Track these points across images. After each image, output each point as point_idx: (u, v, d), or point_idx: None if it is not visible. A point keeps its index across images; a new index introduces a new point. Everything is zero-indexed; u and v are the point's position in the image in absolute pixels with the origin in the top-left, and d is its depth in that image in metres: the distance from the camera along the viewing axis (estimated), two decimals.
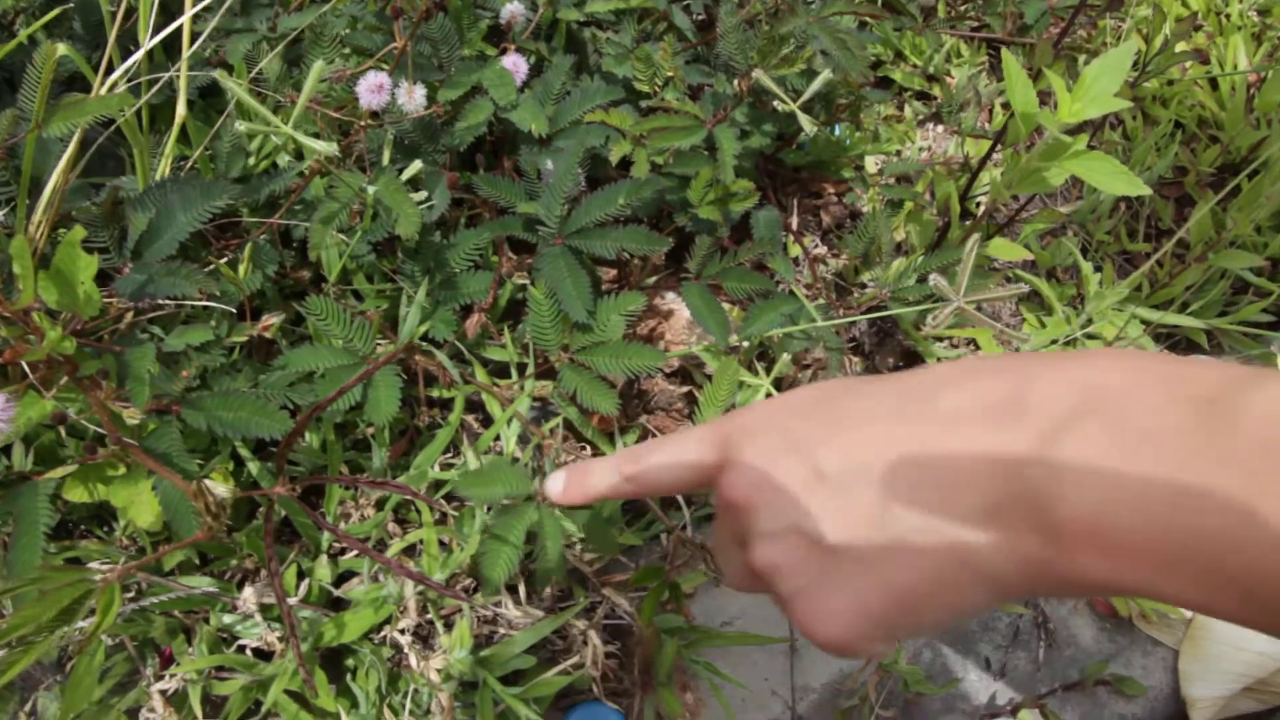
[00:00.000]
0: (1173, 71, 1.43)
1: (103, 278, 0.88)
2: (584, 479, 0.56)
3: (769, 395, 1.04)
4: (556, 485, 0.58)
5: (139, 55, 0.85)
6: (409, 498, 0.91)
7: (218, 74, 0.73)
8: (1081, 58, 0.90)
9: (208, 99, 1.11)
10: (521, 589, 0.87)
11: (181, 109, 0.96)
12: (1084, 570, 0.36)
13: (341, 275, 1.01)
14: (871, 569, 0.41)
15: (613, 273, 1.16)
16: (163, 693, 0.84)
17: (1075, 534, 0.35)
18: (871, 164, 1.22)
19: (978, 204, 1.23)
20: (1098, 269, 1.22)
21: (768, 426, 0.46)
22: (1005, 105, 1.36)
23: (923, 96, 1.39)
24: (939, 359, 1.13)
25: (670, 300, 1.16)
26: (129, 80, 0.91)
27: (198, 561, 0.92)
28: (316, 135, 0.89)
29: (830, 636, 0.43)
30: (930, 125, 1.36)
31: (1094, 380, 0.37)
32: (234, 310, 0.90)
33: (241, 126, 0.73)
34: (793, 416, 0.46)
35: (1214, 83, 1.40)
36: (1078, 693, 0.97)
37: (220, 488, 0.56)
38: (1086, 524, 0.35)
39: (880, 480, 0.41)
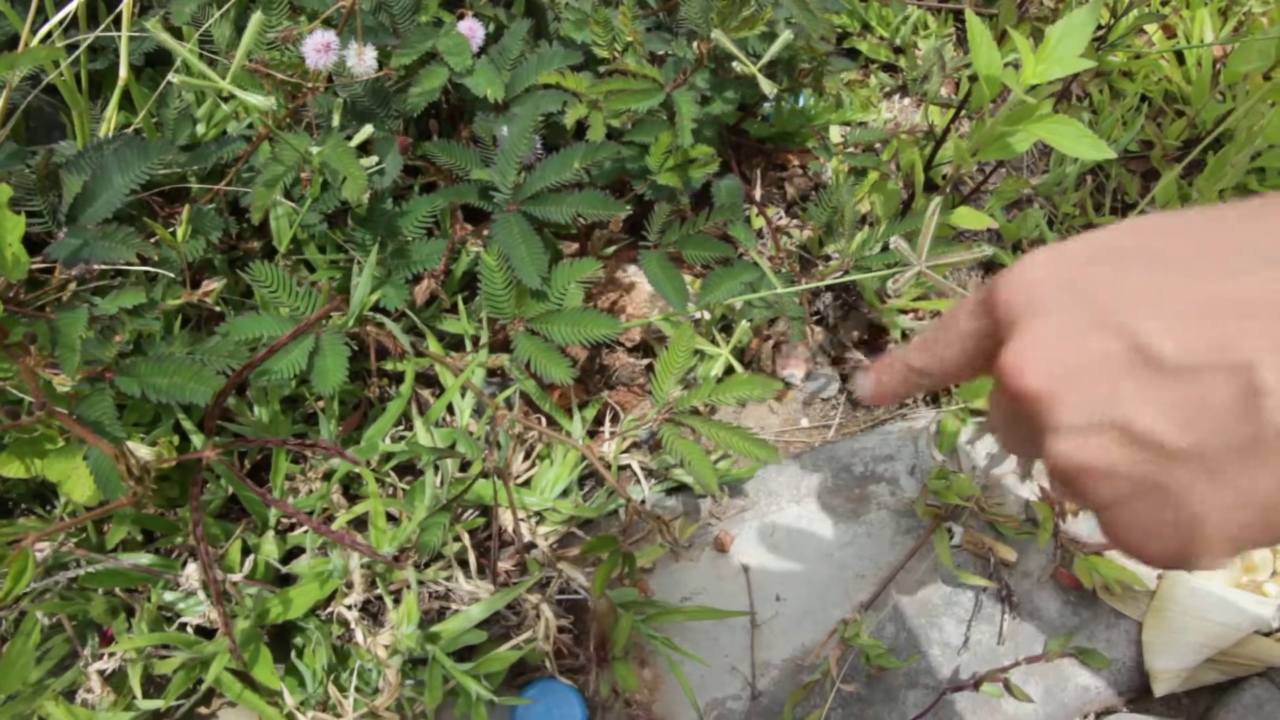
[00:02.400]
0: (1139, 45, 1.42)
1: (41, 247, 0.84)
2: (889, 378, 0.49)
3: (728, 368, 1.02)
4: (867, 385, 0.51)
5: (72, 6, 0.81)
6: (358, 471, 0.89)
7: (150, 25, 0.70)
8: (1048, 29, 0.89)
9: (156, 67, 1.08)
10: (473, 561, 0.85)
11: (124, 71, 0.92)
12: None
13: (293, 246, 0.98)
14: (1228, 479, 0.33)
15: (574, 246, 1.14)
16: (101, 672, 0.81)
17: None
18: (836, 134, 1.20)
19: (943, 175, 1.21)
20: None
21: (1056, 282, 0.36)
22: (972, 78, 1.35)
23: (889, 69, 1.37)
24: (902, 330, 1.12)
25: (632, 273, 1.14)
26: (70, 48, 0.88)
27: (141, 539, 0.89)
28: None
29: (1164, 553, 0.35)
30: (896, 97, 1.34)
31: None
32: (178, 278, 0.87)
33: (176, 79, 0.70)
34: (1089, 266, 0.36)
35: (1180, 57, 1.39)
36: (1041, 665, 0.96)
37: (143, 450, 0.53)
38: None
39: (1250, 363, 0.31)
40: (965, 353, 0.43)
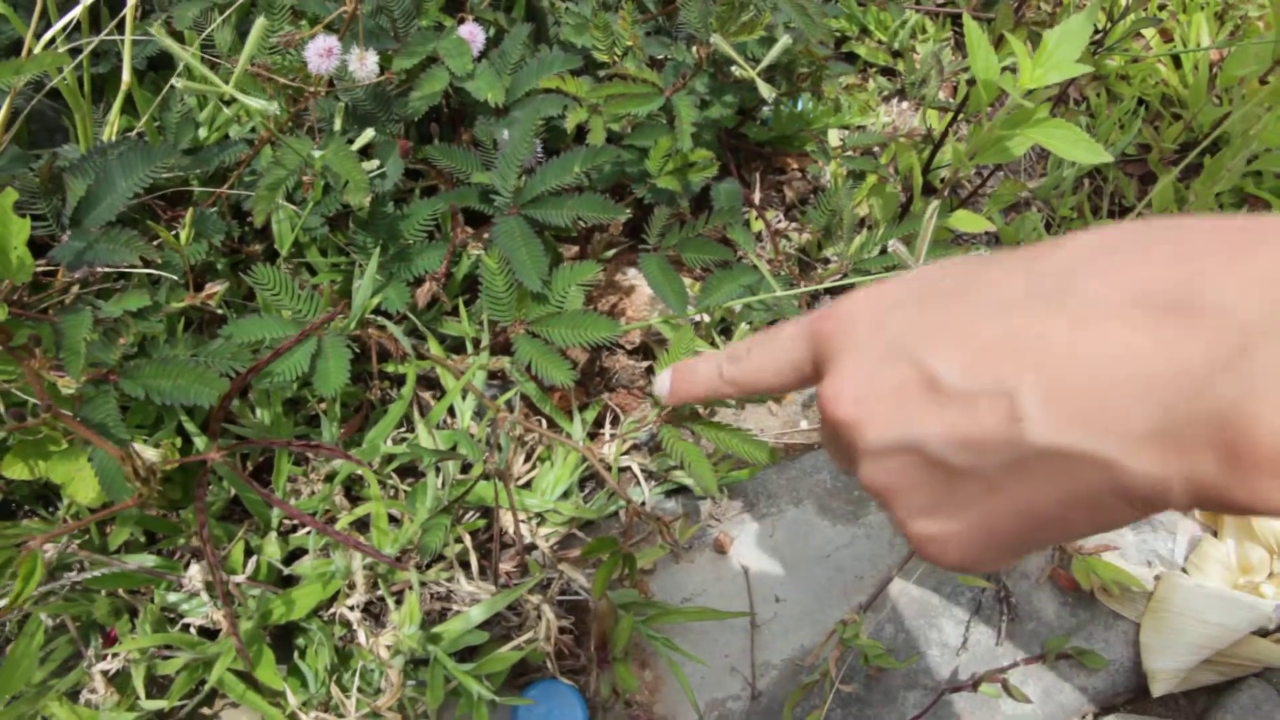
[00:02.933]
0: (1136, 49, 1.42)
1: (45, 250, 0.85)
2: (689, 381, 0.55)
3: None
4: (663, 385, 0.58)
5: (76, 11, 0.82)
6: (360, 473, 0.89)
7: (155, 29, 0.70)
8: (1045, 33, 0.89)
9: (159, 71, 1.08)
10: (474, 563, 0.85)
11: (126, 75, 0.93)
12: (1263, 496, 0.31)
13: (295, 249, 0.99)
14: (1000, 491, 0.37)
15: (574, 249, 1.14)
16: (104, 673, 0.82)
17: (1266, 458, 0.30)
18: (834, 137, 1.21)
19: (941, 179, 1.22)
20: None
21: (868, 322, 0.41)
22: (970, 81, 1.35)
23: (887, 72, 1.38)
24: None
25: (632, 276, 1.15)
26: (73, 52, 0.89)
27: (143, 540, 0.90)
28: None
29: (951, 561, 0.40)
30: (895, 101, 1.35)
31: None
32: (180, 281, 0.88)
33: (180, 84, 0.71)
34: (896, 308, 0.40)
35: (1177, 61, 1.39)
36: (1039, 666, 0.97)
37: (149, 451, 0.54)
38: None
39: (1013, 390, 0.35)
40: (779, 374, 0.48)
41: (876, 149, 1.22)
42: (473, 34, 1.01)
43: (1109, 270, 0.35)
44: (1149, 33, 1.42)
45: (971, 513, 0.38)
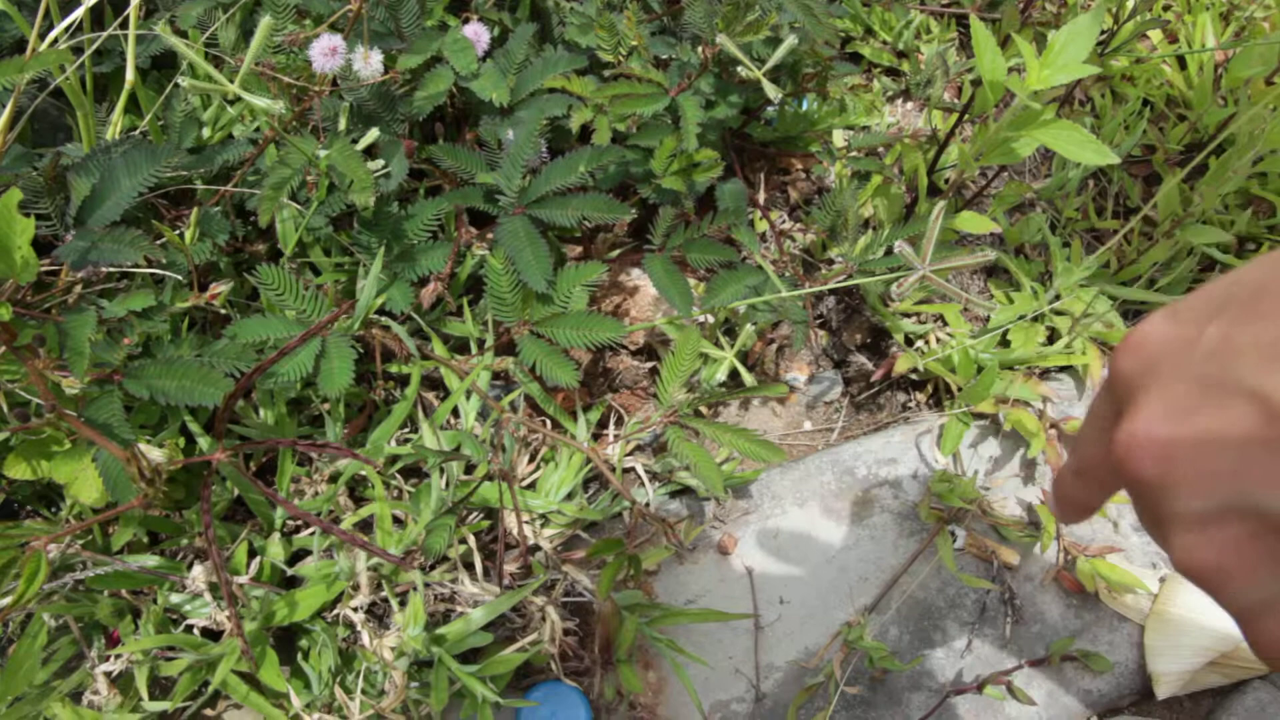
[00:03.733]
0: (1141, 50, 1.42)
1: (49, 249, 0.85)
2: (1061, 500, 0.41)
3: (733, 370, 1.02)
4: (1056, 511, 0.42)
5: (80, 11, 0.81)
6: (364, 474, 0.89)
7: (159, 27, 0.70)
8: (1051, 33, 0.89)
9: (163, 70, 1.08)
10: (478, 564, 0.85)
11: (130, 74, 0.93)
12: None
13: (299, 249, 0.99)
14: None
15: (578, 250, 1.14)
16: (107, 674, 0.82)
17: None
18: (839, 138, 1.21)
19: (946, 180, 1.22)
20: (1065, 245, 1.22)
21: (1180, 344, 0.30)
22: (975, 82, 1.35)
23: (892, 73, 1.37)
24: (905, 335, 1.12)
25: (636, 276, 1.14)
26: (76, 50, 0.88)
27: (147, 541, 0.90)
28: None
29: None
30: (900, 102, 1.35)
31: None
32: (184, 281, 0.88)
33: (185, 83, 0.71)
34: (1215, 319, 0.29)
35: (1182, 61, 1.39)
36: (1044, 669, 0.97)
37: (155, 452, 0.54)
38: None
39: None
40: (1100, 427, 0.36)
41: (881, 149, 1.22)
42: (477, 34, 1.01)
43: None
44: (1154, 34, 1.42)
45: None
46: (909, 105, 1.34)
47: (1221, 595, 0.30)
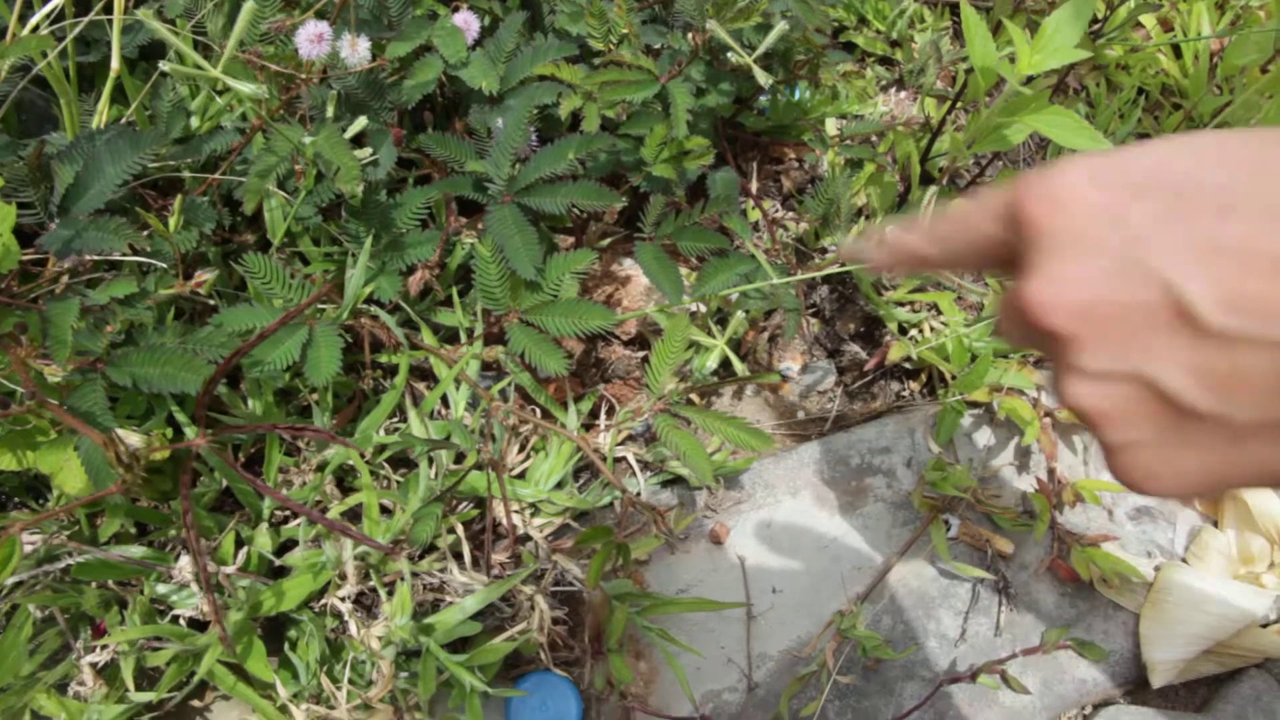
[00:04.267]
0: (1136, 39, 1.41)
1: (35, 238, 0.84)
2: (879, 254, 0.45)
3: (725, 360, 1.01)
4: (858, 251, 0.47)
5: None
6: (352, 464, 0.88)
7: (142, 13, 0.69)
8: (1044, 20, 0.88)
9: (151, 61, 1.07)
10: (467, 553, 0.84)
11: (115, 63, 0.92)
12: None
13: (288, 238, 0.98)
14: (1245, 444, 0.32)
15: (570, 240, 1.13)
16: (93, 665, 0.81)
17: None
18: (832, 126, 1.20)
19: (940, 168, 1.21)
20: None
21: (1098, 213, 0.33)
22: (969, 70, 1.34)
23: (886, 62, 1.37)
24: (899, 323, 1.11)
25: (628, 266, 1.14)
26: (60, 38, 0.88)
27: (135, 532, 0.89)
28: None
29: (1154, 493, 0.36)
30: (893, 91, 1.34)
31: None
32: (170, 269, 0.87)
33: (167, 67, 0.70)
34: (1139, 200, 0.33)
35: (1178, 50, 1.38)
36: (1039, 657, 0.96)
37: (132, 437, 0.53)
38: None
39: None
40: (976, 253, 0.40)
41: (874, 138, 1.21)
42: (467, 22, 1.00)
43: None
44: (1149, 22, 1.41)
45: (1203, 457, 0.33)
46: (902, 94, 1.34)
47: (1097, 430, 0.35)
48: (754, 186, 1.19)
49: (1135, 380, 0.33)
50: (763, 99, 1.21)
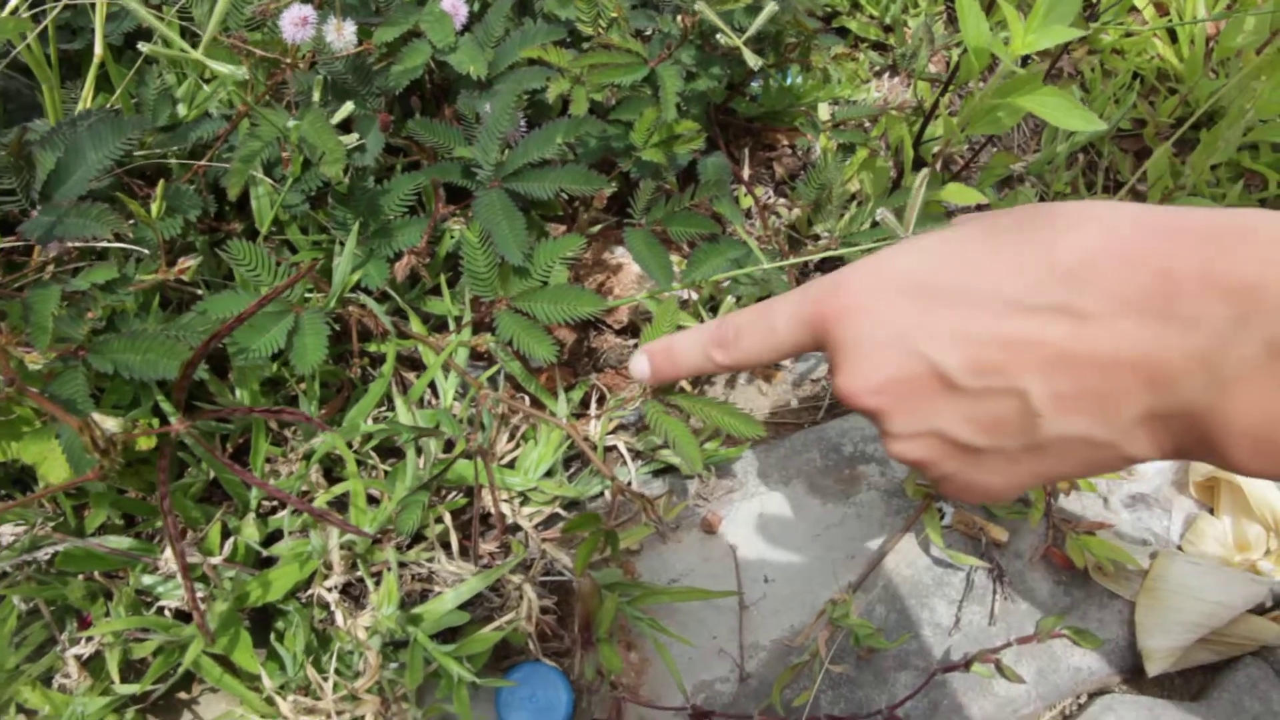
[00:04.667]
0: (1131, 23, 1.40)
1: (16, 226, 0.83)
2: (671, 362, 0.58)
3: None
4: (641, 367, 0.61)
5: None
6: (340, 454, 0.87)
7: None
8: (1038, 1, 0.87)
9: (137, 49, 1.06)
10: (455, 543, 0.83)
11: (99, 48, 0.91)
12: (1238, 463, 0.38)
13: (275, 227, 0.97)
14: (1021, 462, 0.43)
15: (561, 229, 1.12)
16: (78, 657, 0.80)
17: (1237, 444, 0.37)
18: (825, 111, 1.19)
19: (933, 153, 1.20)
20: None
21: (872, 312, 0.44)
22: (964, 53, 1.33)
23: (879, 48, 1.36)
24: None
25: (620, 254, 1.13)
26: (38, 18, 0.87)
27: (121, 523, 0.88)
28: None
29: (976, 502, 0.48)
30: (886, 76, 1.33)
31: (1250, 283, 0.35)
32: (154, 256, 0.86)
33: (146, 48, 0.69)
34: (899, 298, 0.44)
35: (1173, 34, 1.37)
36: (1034, 646, 0.95)
37: (109, 421, 0.52)
38: (1251, 438, 0.36)
39: (1023, 389, 0.40)
40: (776, 356, 0.51)
41: (868, 123, 1.20)
42: (455, 7, 0.99)
43: (1094, 278, 0.38)
44: (1143, 5, 1.40)
45: (996, 476, 0.44)
46: (895, 80, 1.33)
47: (921, 472, 0.48)
48: (746, 173, 1.18)
49: (930, 434, 0.44)
50: (755, 84, 1.20)
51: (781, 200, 1.19)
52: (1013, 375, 0.40)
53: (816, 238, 1.14)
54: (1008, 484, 0.45)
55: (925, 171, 0.80)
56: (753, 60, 0.87)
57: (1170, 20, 1.39)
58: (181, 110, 1.00)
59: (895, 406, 0.44)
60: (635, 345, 1.09)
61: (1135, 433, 0.39)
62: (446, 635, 0.82)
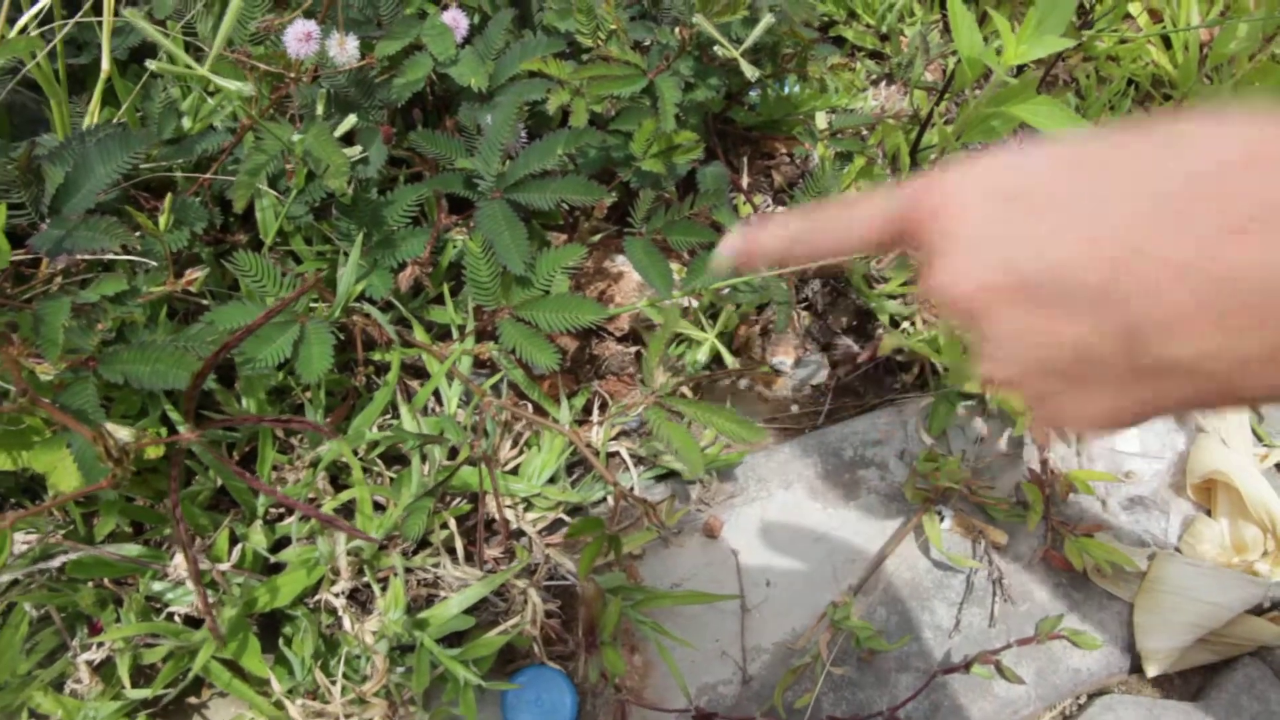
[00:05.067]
0: (1124, 30, 1.42)
1: (26, 239, 0.84)
2: (756, 239, 0.52)
3: (718, 354, 1.01)
4: (731, 243, 0.53)
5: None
6: (346, 461, 0.89)
7: (128, 13, 0.70)
8: (1029, 11, 0.89)
9: (142, 64, 1.08)
10: (460, 548, 0.85)
11: (106, 63, 0.92)
12: None
13: (280, 238, 0.98)
14: (1128, 390, 0.39)
15: (563, 238, 1.14)
16: (89, 663, 0.81)
17: None
18: (822, 119, 1.20)
19: (930, 160, 1.21)
20: None
21: (984, 211, 0.40)
22: (959, 62, 1.34)
23: (876, 56, 1.37)
24: (891, 316, 1.12)
25: (620, 263, 1.14)
26: (49, 39, 0.88)
27: (131, 530, 0.89)
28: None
29: (1077, 431, 0.43)
30: (883, 85, 1.34)
31: None
32: (161, 268, 0.87)
33: (153, 64, 0.70)
34: (1015, 201, 0.39)
35: (1167, 41, 1.39)
36: (1033, 647, 0.96)
37: (121, 431, 0.53)
38: None
39: (1141, 313, 0.36)
40: (863, 238, 0.45)
41: (864, 131, 1.22)
42: (456, 20, 1.01)
43: (1248, 187, 0.34)
44: (1138, 12, 1.42)
45: (1101, 402, 0.40)
46: (892, 88, 1.34)
47: (1020, 388, 0.42)
48: (745, 182, 1.19)
49: (1037, 356, 0.40)
50: (752, 94, 1.21)
51: (780, 208, 1.21)
52: (1133, 294, 0.36)
53: None
54: (1109, 412, 0.40)
55: None
56: (750, 72, 0.89)
57: (1164, 27, 1.40)
58: (186, 124, 1.02)
59: (1000, 308, 0.39)
60: (637, 352, 1.10)
61: (1260, 369, 0.35)
62: (452, 639, 0.83)
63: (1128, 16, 1.42)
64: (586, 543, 0.78)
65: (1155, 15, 1.43)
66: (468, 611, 0.81)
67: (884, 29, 1.35)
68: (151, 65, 0.70)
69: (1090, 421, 0.42)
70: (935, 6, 1.38)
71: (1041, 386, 0.41)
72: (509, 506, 0.90)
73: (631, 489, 0.98)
